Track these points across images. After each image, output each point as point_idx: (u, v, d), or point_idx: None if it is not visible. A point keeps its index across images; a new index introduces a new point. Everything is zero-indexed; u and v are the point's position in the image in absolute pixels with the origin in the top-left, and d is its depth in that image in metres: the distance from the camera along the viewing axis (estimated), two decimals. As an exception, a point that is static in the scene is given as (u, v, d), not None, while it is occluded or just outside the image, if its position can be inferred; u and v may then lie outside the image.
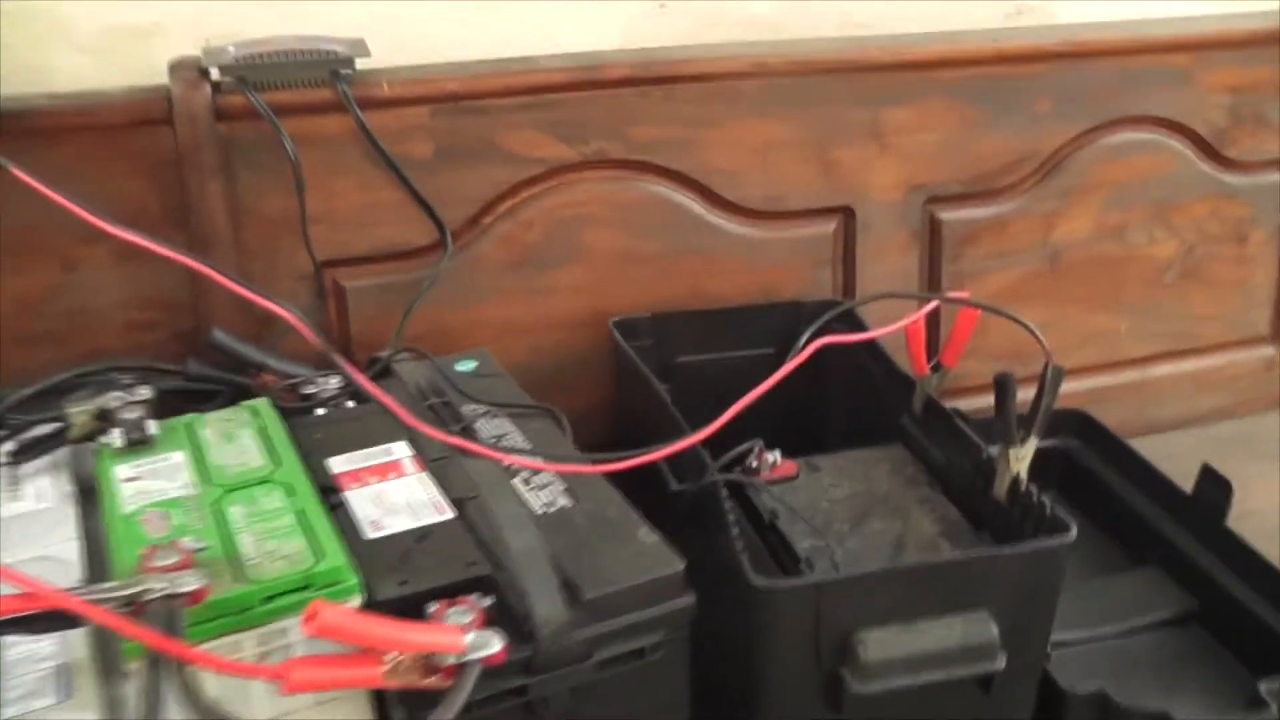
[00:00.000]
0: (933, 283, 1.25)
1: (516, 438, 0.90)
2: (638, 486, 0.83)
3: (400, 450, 0.87)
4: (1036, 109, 1.22)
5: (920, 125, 1.19)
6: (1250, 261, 1.37)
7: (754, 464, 0.94)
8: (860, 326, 1.07)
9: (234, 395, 0.96)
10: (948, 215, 1.23)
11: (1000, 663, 0.78)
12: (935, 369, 0.95)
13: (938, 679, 0.76)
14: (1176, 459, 1.33)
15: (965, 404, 1.25)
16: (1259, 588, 1.01)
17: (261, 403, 0.92)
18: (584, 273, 1.13)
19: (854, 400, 1.09)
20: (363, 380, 0.81)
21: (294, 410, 0.94)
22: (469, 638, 0.67)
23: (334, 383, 1.00)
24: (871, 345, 1.00)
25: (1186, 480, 1.07)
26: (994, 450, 0.85)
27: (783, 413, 1.08)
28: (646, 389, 0.97)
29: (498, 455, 0.80)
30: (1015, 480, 0.84)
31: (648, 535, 0.78)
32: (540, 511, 0.80)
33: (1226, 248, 1.35)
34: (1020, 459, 0.83)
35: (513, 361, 1.10)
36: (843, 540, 0.88)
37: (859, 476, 0.95)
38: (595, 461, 0.82)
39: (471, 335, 1.11)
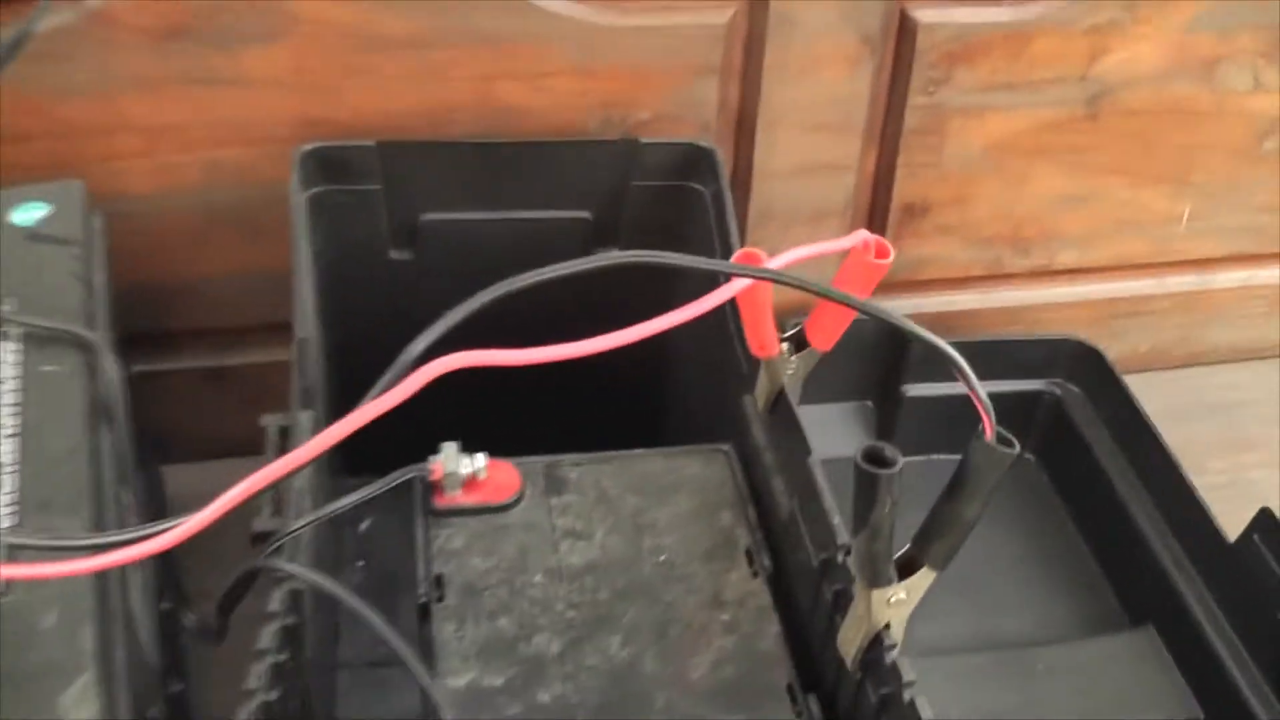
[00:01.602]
0: (890, 121, 0.79)
1: (5, 391, 0.49)
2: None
3: None
4: None
5: None
6: (1400, 136, 0.89)
7: (430, 475, 0.51)
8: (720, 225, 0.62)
9: None
10: (929, 15, 0.76)
11: None
12: (796, 345, 0.50)
13: None
14: (1227, 414, 0.93)
15: (922, 304, 0.84)
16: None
17: None
18: (290, 58, 0.68)
19: (700, 369, 0.66)
20: None
21: None
22: None
23: None
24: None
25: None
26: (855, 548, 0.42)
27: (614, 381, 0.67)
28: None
29: None
30: (877, 640, 0.41)
31: (86, 693, 0.38)
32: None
33: (1370, 110, 0.88)
34: (895, 605, 0.40)
35: (178, 187, 0.71)
36: (542, 674, 0.46)
37: (629, 517, 0.52)
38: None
39: (107, 145, 0.69)
